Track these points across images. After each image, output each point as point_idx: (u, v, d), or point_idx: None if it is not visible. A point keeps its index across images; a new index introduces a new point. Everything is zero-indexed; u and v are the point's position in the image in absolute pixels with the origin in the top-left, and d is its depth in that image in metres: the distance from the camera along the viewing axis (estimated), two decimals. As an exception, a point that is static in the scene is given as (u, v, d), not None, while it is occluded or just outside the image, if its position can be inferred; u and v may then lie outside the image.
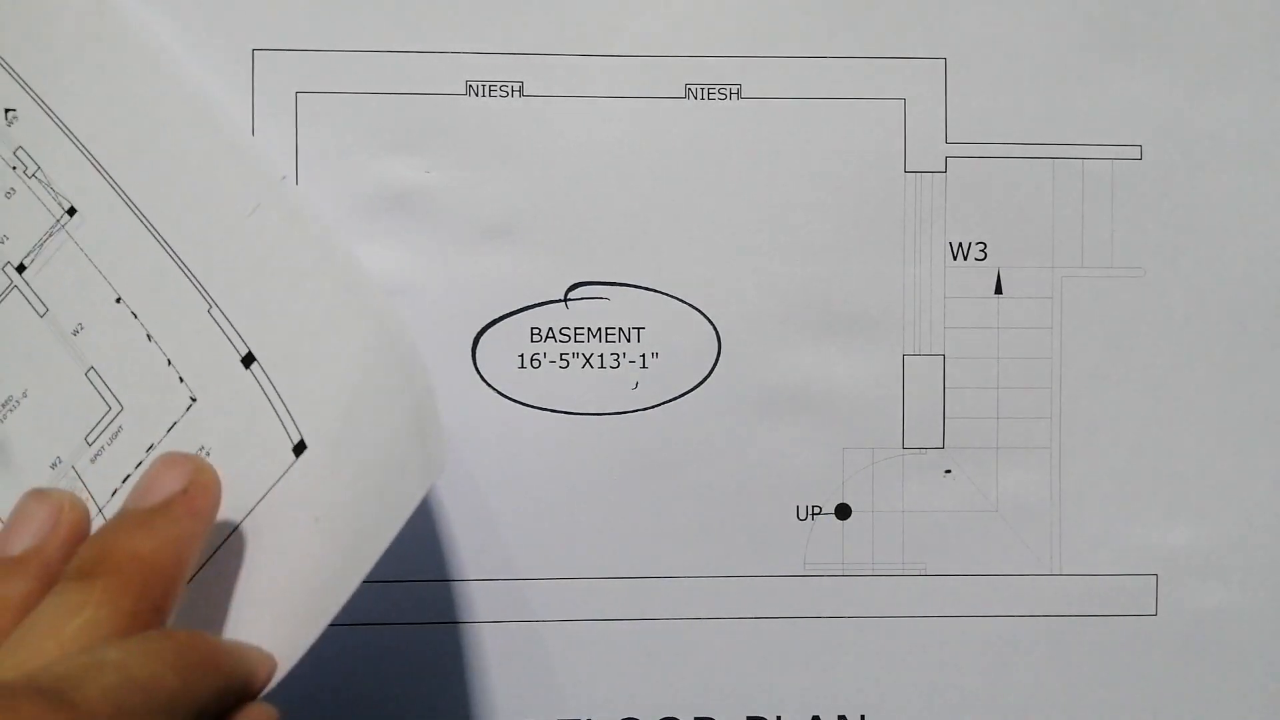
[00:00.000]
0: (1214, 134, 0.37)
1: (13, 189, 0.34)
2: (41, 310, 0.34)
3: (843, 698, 0.37)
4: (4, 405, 0.34)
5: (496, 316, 0.36)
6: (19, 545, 0.28)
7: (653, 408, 0.36)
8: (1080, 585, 0.37)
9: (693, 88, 0.36)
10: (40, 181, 0.34)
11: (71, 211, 0.33)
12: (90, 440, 0.33)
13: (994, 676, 0.37)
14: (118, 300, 0.33)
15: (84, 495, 0.32)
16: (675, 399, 0.36)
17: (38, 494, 0.29)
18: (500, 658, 0.36)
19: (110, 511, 0.32)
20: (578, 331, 0.36)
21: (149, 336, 0.33)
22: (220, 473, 0.30)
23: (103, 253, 0.33)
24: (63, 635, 0.25)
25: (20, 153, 0.34)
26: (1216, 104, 0.37)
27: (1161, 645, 0.37)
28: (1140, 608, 0.37)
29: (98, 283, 0.33)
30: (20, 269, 0.34)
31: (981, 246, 0.37)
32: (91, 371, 0.33)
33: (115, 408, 0.33)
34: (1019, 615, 0.37)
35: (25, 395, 0.34)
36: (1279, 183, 0.37)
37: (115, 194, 0.33)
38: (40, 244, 0.34)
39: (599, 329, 0.36)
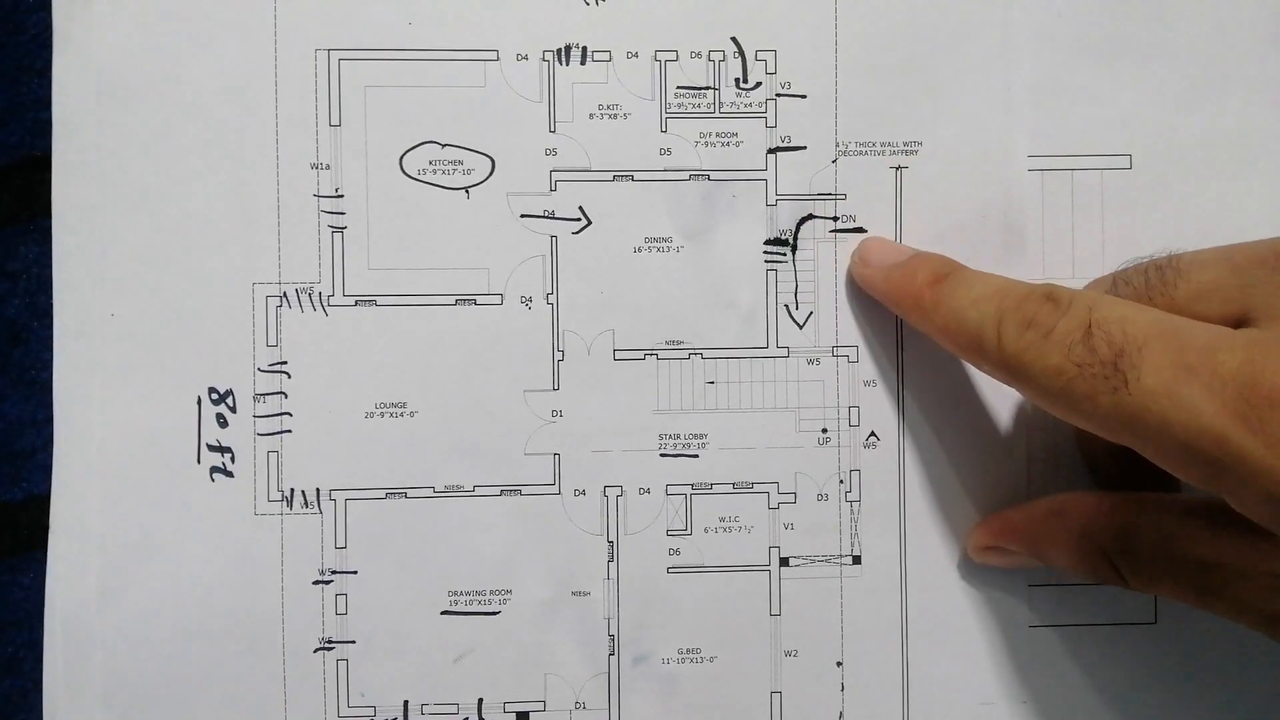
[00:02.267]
0: (1203, 143, 0.37)
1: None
2: None
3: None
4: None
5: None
6: None
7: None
8: (1080, 594, 0.37)
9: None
10: None
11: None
12: None
13: (996, 686, 0.37)
14: None
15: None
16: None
17: None
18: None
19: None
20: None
21: None
22: None
23: None
24: None
25: None
26: (1206, 112, 0.37)
27: (1161, 653, 0.37)
28: (1140, 615, 0.37)
29: None
30: None
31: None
32: None
33: None
34: (1020, 625, 0.37)
35: None
36: (1268, 190, 0.37)
37: None
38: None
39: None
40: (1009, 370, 0.30)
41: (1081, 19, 0.37)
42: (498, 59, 0.36)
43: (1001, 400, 0.37)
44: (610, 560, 0.36)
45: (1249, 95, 0.37)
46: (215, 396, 0.35)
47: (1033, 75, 0.37)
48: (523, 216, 0.36)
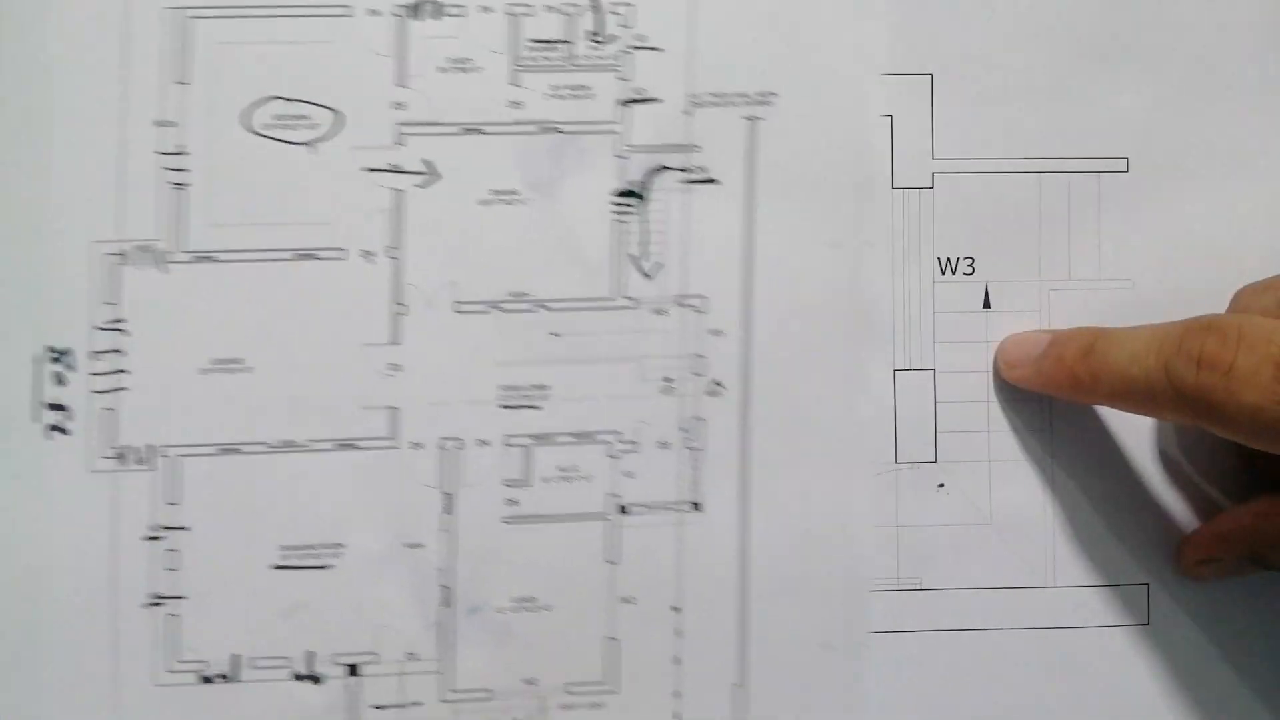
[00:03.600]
0: (1200, 145, 0.37)
1: None
2: None
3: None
4: None
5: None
6: None
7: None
8: (1073, 597, 0.37)
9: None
10: None
11: None
12: None
13: (989, 690, 0.37)
14: None
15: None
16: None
17: None
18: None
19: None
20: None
21: None
22: None
23: None
24: None
25: None
26: (1202, 115, 0.37)
27: (1155, 655, 0.37)
28: (1133, 618, 0.37)
29: None
30: None
31: (969, 261, 0.37)
32: None
33: None
34: (1013, 628, 0.37)
35: None
36: (1266, 192, 0.37)
37: None
38: None
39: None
40: (1197, 413, 0.30)
41: (1080, 19, 0.37)
42: (350, 14, 0.36)
43: (855, 350, 0.36)
44: (445, 511, 0.36)
45: (1249, 96, 0.37)
46: (54, 355, 0.35)
47: (1031, 75, 0.37)
48: (367, 170, 0.36)
